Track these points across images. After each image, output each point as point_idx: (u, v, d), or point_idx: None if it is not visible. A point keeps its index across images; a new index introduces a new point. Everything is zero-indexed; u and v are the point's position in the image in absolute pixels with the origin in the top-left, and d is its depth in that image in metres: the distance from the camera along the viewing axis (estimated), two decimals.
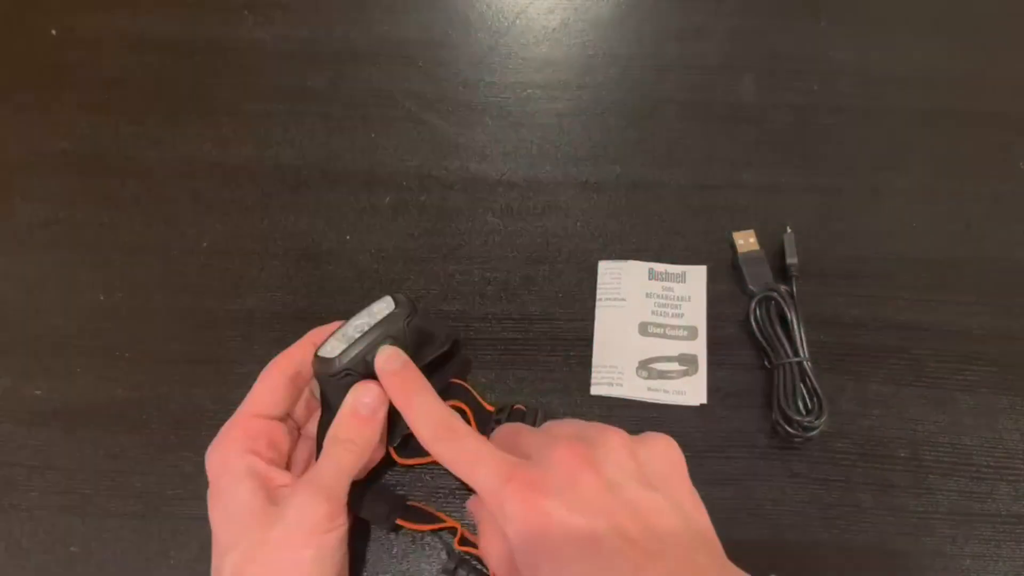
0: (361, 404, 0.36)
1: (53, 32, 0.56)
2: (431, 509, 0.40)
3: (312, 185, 0.50)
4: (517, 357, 0.45)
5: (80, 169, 0.51)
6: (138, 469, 0.42)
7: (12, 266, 0.48)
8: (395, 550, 0.41)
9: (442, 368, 0.40)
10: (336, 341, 0.37)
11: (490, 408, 0.42)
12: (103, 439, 0.43)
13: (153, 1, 0.57)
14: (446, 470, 0.33)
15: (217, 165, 0.51)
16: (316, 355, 0.37)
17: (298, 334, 0.41)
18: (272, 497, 0.35)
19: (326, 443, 0.36)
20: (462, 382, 0.42)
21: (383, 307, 0.37)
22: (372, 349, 0.36)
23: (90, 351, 0.45)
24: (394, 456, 0.40)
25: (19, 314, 0.46)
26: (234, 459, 0.36)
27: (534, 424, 0.41)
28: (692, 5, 0.57)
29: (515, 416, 0.41)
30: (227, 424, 0.37)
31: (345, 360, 0.36)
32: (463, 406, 0.41)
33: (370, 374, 0.36)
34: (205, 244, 0.48)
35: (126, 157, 0.51)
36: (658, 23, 0.57)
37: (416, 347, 0.37)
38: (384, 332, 0.36)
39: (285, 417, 0.39)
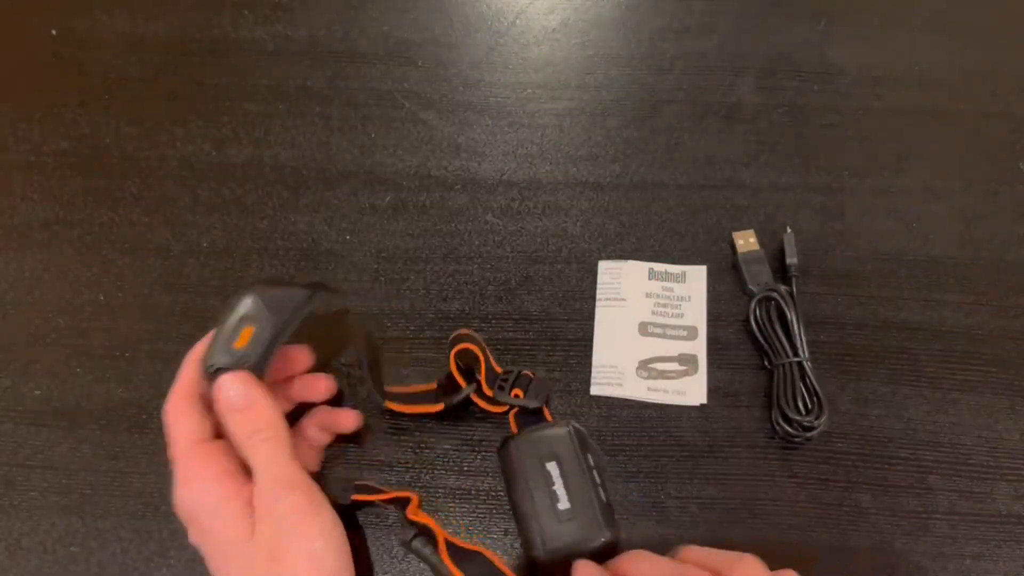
0: (229, 399, 0.35)
1: (53, 32, 0.56)
2: (384, 487, 0.41)
3: (312, 185, 0.50)
4: (517, 357, 0.45)
5: (80, 169, 0.51)
6: (138, 469, 0.42)
7: (12, 266, 0.48)
8: (395, 551, 0.41)
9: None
10: (209, 347, 0.36)
11: (499, 369, 0.43)
12: (103, 439, 0.43)
13: (153, 1, 0.57)
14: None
15: (217, 165, 0.51)
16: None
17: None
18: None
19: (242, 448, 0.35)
20: (474, 336, 0.43)
21: (243, 301, 0.37)
22: (233, 337, 0.36)
23: (90, 351, 0.45)
24: (389, 405, 0.42)
25: (19, 314, 0.46)
26: (205, 493, 0.34)
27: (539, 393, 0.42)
28: (692, 5, 0.57)
29: (522, 382, 0.42)
30: (181, 464, 0.35)
31: (209, 361, 0.35)
32: (476, 351, 0.42)
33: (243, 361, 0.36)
34: (205, 244, 0.48)
35: (126, 157, 0.51)
36: (658, 23, 0.57)
37: (278, 314, 0.37)
38: (241, 317, 0.36)
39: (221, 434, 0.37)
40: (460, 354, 0.43)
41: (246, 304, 0.36)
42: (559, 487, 0.38)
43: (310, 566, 0.33)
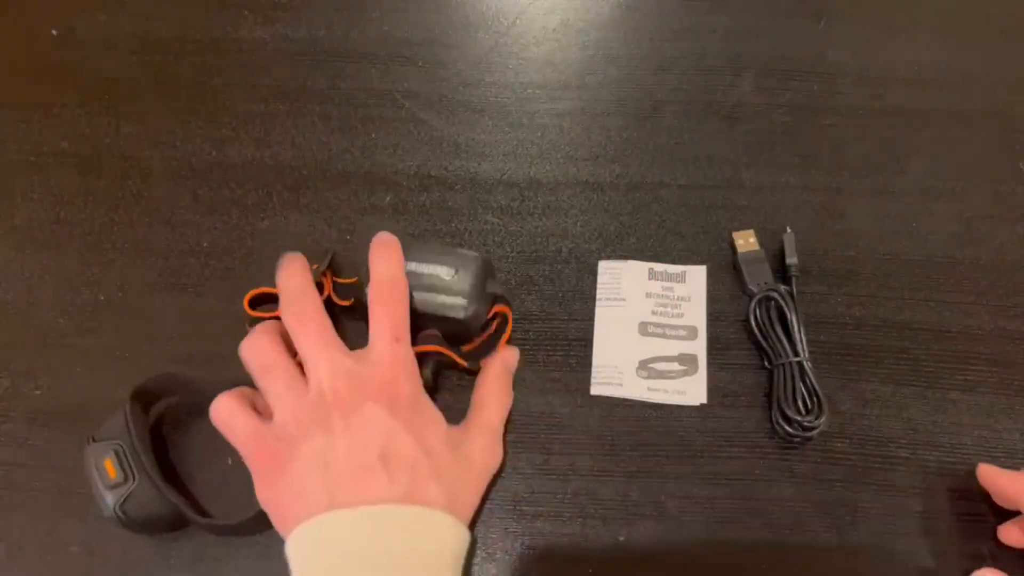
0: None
1: (53, 32, 0.56)
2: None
3: (312, 185, 0.50)
4: None
5: (80, 169, 0.51)
6: None
7: (12, 266, 0.48)
8: None
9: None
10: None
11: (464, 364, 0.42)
12: None
13: (153, 1, 0.57)
14: None
15: (217, 165, 0.51)
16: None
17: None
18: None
19: (495, 389, 0.40)
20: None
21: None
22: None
23: (90, 351, 0.45)
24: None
25: (19, 314, 0.46)
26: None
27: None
28: (692, 5, 0.57)
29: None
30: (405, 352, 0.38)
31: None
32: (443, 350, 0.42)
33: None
34: (205, 244, 0.48)
35: (126, 157, 0.51)
36: (658, 23, 0.57)
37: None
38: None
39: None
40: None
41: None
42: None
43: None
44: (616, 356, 0.45)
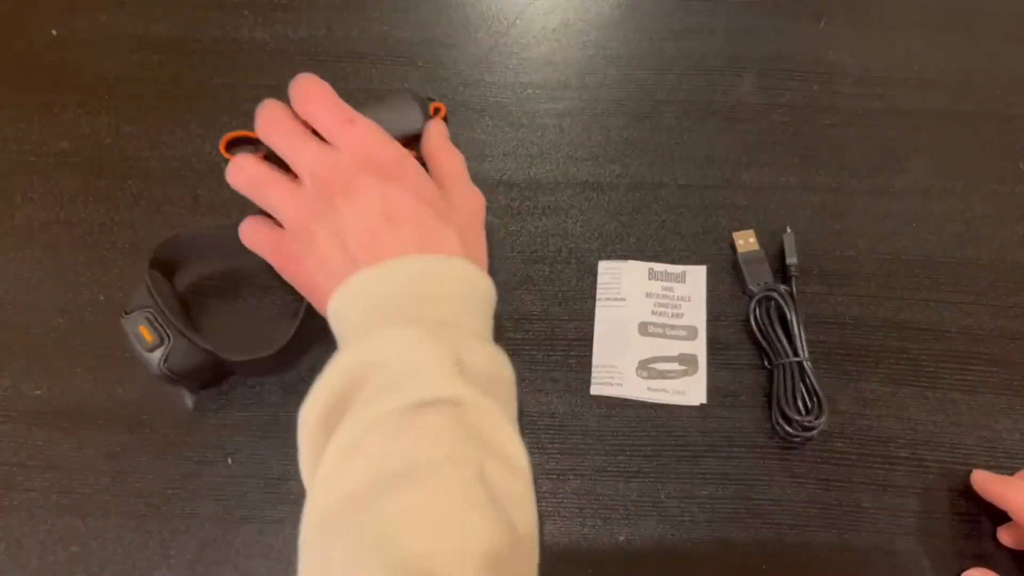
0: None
1: (53, 32, 0.56)
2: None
3: None
4: (517, 357, 0.45)
5: (80, 169, 0.51)
6: (138, 469, 0.42)
7: (12, 266, 0.48)
8: None
9: None
10: None
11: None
12: (103, 439, 0.43)
13: (154, 1, 0.57)
14: None
15: (217, 165, 0.51)
16: None
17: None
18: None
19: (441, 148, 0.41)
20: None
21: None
22: None
23: (90, 351, 0.45)
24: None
25: (19, 314, 0.46)
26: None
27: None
28: (692, 5, 0.57)
29: None
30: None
31: None
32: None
33: None
34: None
35: (126, 157, 0.51)
36: (658, 23, 0.56)
37: None
38: None
39: None
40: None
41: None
42: None
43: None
44: (616, 356, 0.45)
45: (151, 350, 0.40)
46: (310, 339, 0.44)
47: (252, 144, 0.43)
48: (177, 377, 0.41)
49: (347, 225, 0.36)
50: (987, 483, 0.40)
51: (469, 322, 0.35)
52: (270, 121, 0.38)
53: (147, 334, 0.41)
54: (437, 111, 0.47)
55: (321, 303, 0.36)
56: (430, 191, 0.38)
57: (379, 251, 0.35)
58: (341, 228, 0.36)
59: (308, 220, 0.37)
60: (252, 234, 0.39)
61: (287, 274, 0.38)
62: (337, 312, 0.35)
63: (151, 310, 0.41)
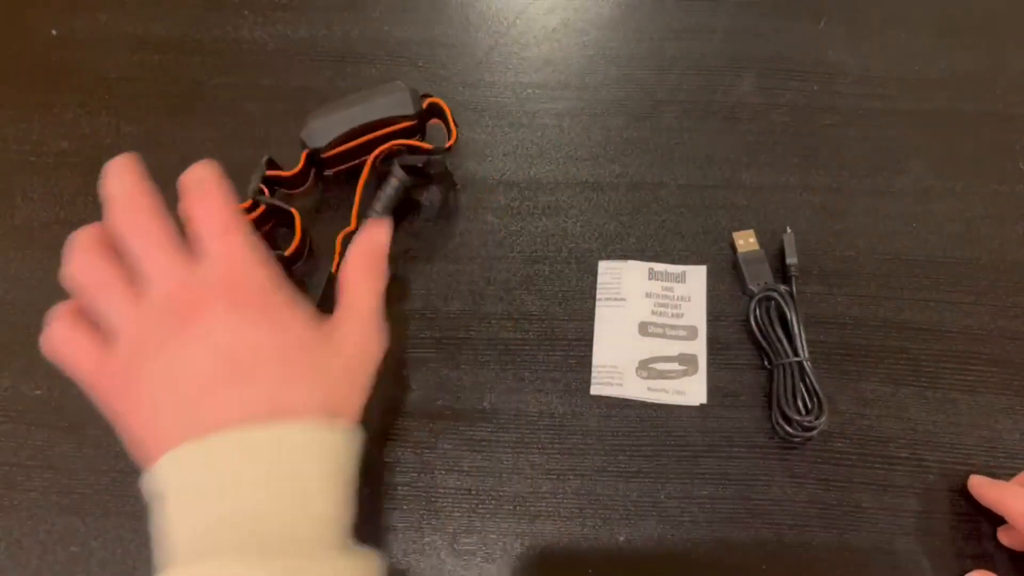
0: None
1: (53, 32, 0.56)
2: None
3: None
4: (517, 357, 0.45)
5: (80, 169, 0.51)
6: (138, 469, 0.42)
7: (12, 266, 0.48)
8: (395, 550, 0.41)
9: None
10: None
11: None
12: (103, 439, 0.43)
13: (154, 1, 0.57)
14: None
15: (217, 165, 0.51)
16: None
17: None
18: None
19: (361, 267, 0.37)
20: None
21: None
22: None
23: None
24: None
25: (19, 314, 0.46)
26: (279, 270, 0.34)
27: None
28: (692, 5, 0.57)
29: None
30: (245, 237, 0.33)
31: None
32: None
33: None
34: None
35: None
36: (658, 23, 0.57)
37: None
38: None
39: None
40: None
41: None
42: None
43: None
44: (616, 356, 0.45)
45: None
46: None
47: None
48: None
49: (187, 365, 0.30)
50: (983, 489, 0.40)
51: (318, 519, 0.30)
52: (125, 216, 0.33)
53: None
54: (432, 107, 0.47)
55: (139, 456, 0.31)
56: (300, 332, 0.33)
57: (217, 412, 0.30)
58: (179, 367, 0.30)
59: (142, 352, 0.31)
60: (64, 344, 0.32)
61: (106, 406, 0.32)
62: (158, 486, 0.30)
63: None
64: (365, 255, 0.38)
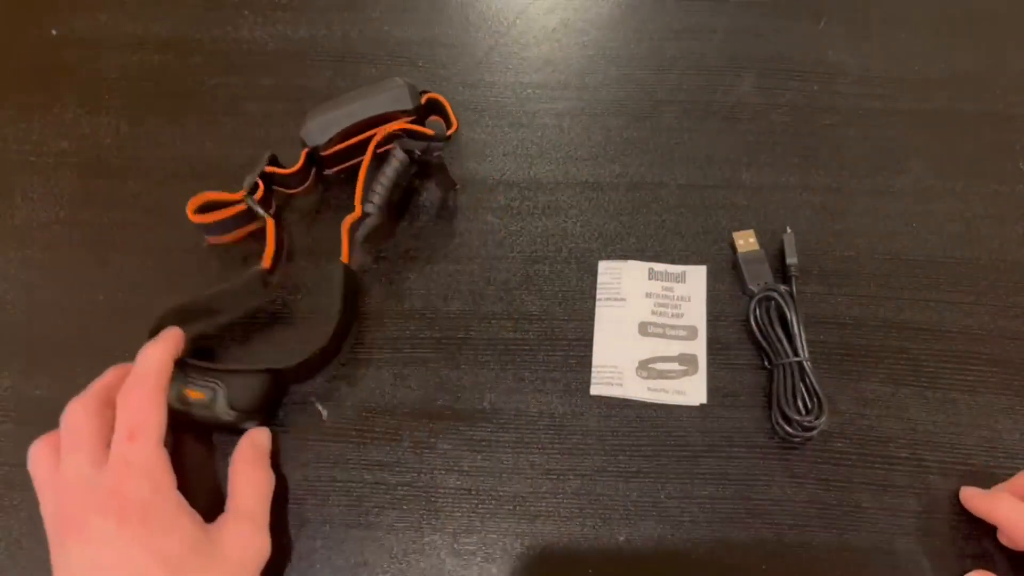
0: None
1: (53, 32, 0.56)
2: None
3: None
4: (517, 357, 0.45)
5: (80, 169, 0.51)
6: None
7: (12, 266, 0.48)
8: (395, 550, 0.41)
9: None
10: None
11: None
12: None
13: (153, 1, 0.57)
14: None
15: (217, 165, 0.51)
16: None
17: (297, 335, 0.41)
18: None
19: (245, 472, 0.39)
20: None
21: None
22: None
23: (90, 351, 0.45)
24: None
25: (19, 314, 0.46)
26: (170, 480, 0.35)
27: None
28: (692, 5, 0.57)
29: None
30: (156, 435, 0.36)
31: None
32: None
33: None
34: (205, 244, 0.48)
35: (126, 157, 0.51)
36: (658, 23, 0.57)
37: None
38: None
39: None
40: None
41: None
42: None
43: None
44: (616, 356, 0.45)
45: (209, 406, 0.40)
46: (351, 320, 0.45)
47: (224, 207, 0.45)
48: (248, 413, 0.40)
49: (72, 568, 0.33)
50: (975, 500, 0.40)
51: None
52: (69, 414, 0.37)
53: (196, 394, 0.40)
54: (431, 102, 0.48)
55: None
56: (183, 541, 0.34)
57: None
58: (68, 567, 0.34)
59: (60, 531, 0.34)
60: (39, 463, 0.36)
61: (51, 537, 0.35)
62: None
63: (183, 372, 0.40)
64: (248, 458, 0.39)
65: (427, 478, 0.42)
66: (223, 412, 0.40)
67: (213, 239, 0.47)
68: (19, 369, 0.45)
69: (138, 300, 0.47)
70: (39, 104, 0.53)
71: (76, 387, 0.44)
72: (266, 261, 0.45)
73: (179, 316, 0.42)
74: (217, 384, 0.40)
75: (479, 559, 0.40)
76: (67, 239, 0.49)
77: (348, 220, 0.45)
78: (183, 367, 0.40)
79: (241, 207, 0.46)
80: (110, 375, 0.39)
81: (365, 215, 0.45)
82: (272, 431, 0.42)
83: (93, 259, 0.48)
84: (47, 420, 0.43)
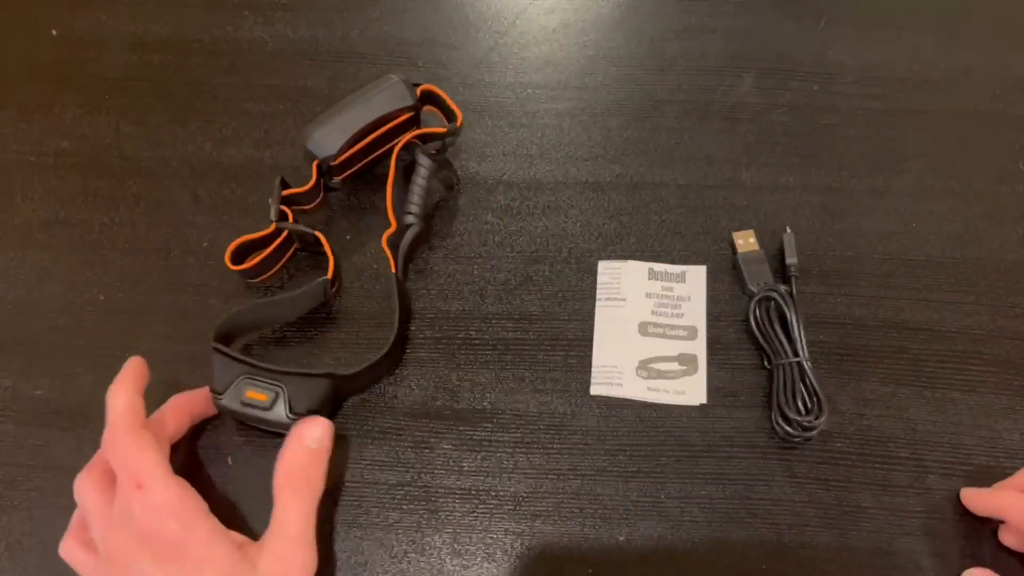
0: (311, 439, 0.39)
1: (53, 32, 0.56)
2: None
3: None
4: (517, 357, 0.45)
5: (80, 169, 0.51)
6: None
7: (12, 266, 0.48)
8: (395, 550, 0.41)
9: None
10: None
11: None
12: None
13: (153, 1, 0.57)
14: None
15: (217, 165, 0.51)
16: None
17: (297, 335, 0.41)
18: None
19: (287, 485, 0.38)
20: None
21: None
22: None
23: (90, 351, 0.45)
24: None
25: (19, 314, 0.46)
26: (194, 510, 0.35)
27: None
28: (692, 5, 0.57)
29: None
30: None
31: None
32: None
33: None
34: (205, 244, 0.48)
35: (126, 157, 0.51)
36: (658, 23, 0.57)
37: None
38: None
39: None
40: None
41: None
42: None
43: None
44: (616, 356, 0.45)
45: (270, 407, 0.40)
46: (407, 330, 0.45)
47: (260, 247, 0.45)
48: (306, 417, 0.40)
49: None
50: (977, 499, 0.40)
51: None
52: (84, 474, 0.38)
53: (259, 395, 0.40)
54: (426, 94, 0.48)
55: None
56: (222, 569, 0.34)
57: None
58: None
59: (112, 562, 0.35)
60: (67, 549, 0.37)
61: None
62: None
63: (247, 373, 0.40)
64: (295, 465, 0.39)
65: (427, 478, 0.42)
66: (283, 415, 0.40)
67: (254, 282, 0.47)
68: (19, 369, 0.45)
69: (138, 300, 0.47)
70: (39, 104, 0.53)
71: (76, 387, 0.44)
72: (329, 272, 0.45)
73: (239, 321, 0.43)
74: (280, 387, 0.40)
75: (479, 559, 0.40)
76: (67, 239, 0.49)
77: (385, 236, 0.45)
78: (249, 368, 0.40)
79: (277, 241, 0.45)
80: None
81: (407, 225, 0.45)
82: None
83: (93, 259, 0.48)
84: (47, 420, 0.44)
